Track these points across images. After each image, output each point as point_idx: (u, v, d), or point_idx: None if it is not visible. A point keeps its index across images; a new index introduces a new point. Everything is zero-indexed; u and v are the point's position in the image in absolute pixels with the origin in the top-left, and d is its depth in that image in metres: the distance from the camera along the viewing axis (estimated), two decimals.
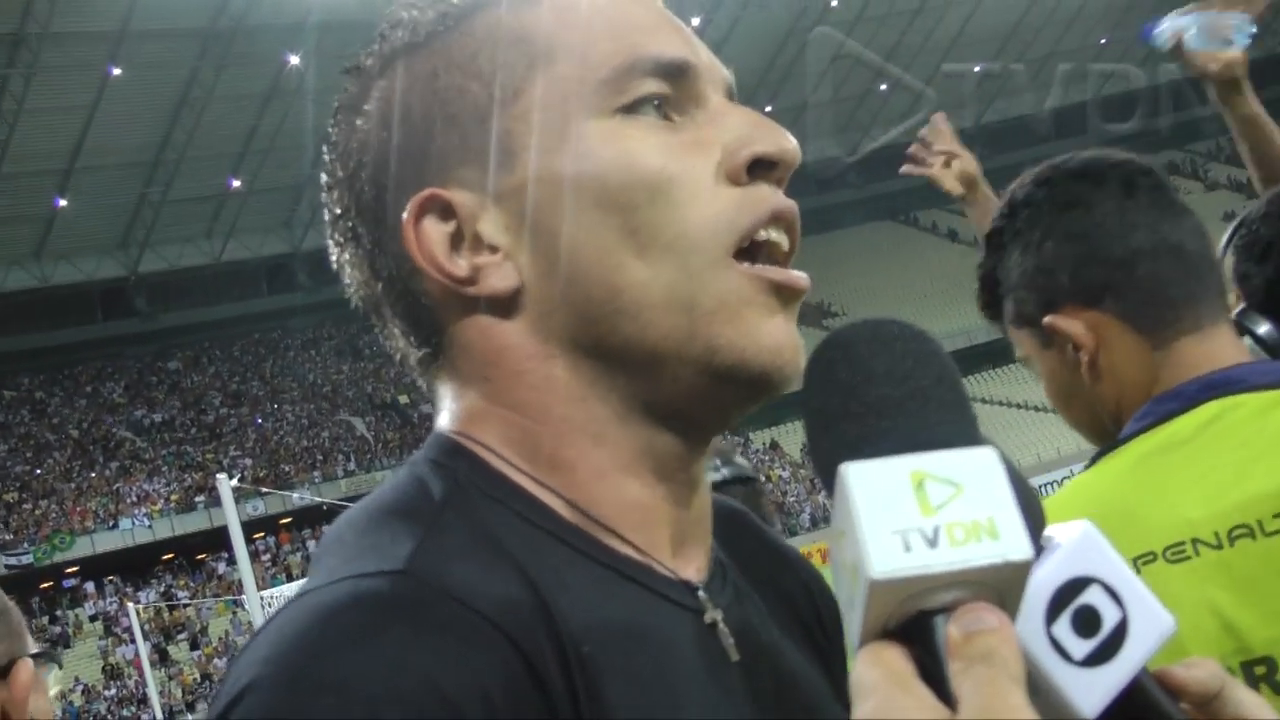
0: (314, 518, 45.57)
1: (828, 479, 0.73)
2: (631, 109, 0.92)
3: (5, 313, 51.57)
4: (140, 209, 52.43)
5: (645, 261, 0.89)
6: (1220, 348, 1.68)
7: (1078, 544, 0.84)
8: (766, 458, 50.54)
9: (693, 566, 0.95)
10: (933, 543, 0.67)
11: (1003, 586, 0.69)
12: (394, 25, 0.99)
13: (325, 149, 1.02)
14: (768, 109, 55.12)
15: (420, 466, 0.93)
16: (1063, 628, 0.81)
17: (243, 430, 52.12)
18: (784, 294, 0.92)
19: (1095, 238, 1.69)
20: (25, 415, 51.14)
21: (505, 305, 0.93)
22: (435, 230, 0.93)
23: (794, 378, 0.90)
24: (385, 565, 0.81)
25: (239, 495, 29.09)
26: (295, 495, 38.10)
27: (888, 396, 0.74)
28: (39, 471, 47.73)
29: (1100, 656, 0.81)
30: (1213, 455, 1.58)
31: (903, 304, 58.72)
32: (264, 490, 40.10)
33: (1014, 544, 0.68)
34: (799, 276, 0.94)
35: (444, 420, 0.97)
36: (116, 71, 45.25)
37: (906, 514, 0.68)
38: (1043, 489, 48.20)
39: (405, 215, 0.93)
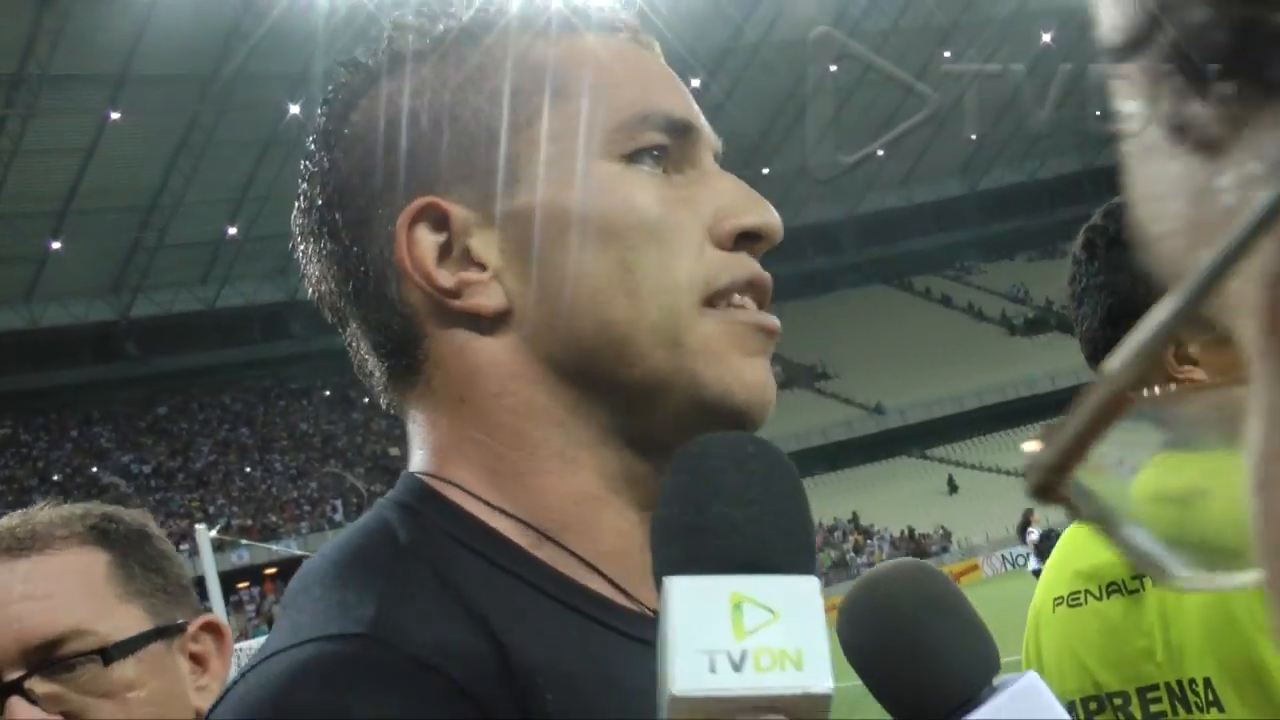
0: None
1: (660, 588, 0.75)
2: (635, 157, 0.94)
3: None
4: (134, 253, 52.30)
5: (633, 301, 0.91)
6: None
7: (1019, 691, 0.86)
8: None
9: None
10: (738, 666, 0.69)
11: (804, 716, 0.70)
12: (401, 28, 1.00)
13: (312, 136, 1.01)
14: (764, 171, 55.17)
15: (388, 510, 0.92)
16: None
17: (230, 478, 51.69)
18: (761, 335, 0.95)
19: None
20: (9, 458, 50.70)
21: (487, 324, 0.93)
22: (427, 239, 0.93)
23: (767, 416, 0.95)
24: (350, 627, 0.81)
25: (223, 544, 28.67)
26: (275, 546, 37.60)
27: (728, 516, 0.75)
28: None
29: None
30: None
31: (895, 367, 58.71)
32: (245, 541, 39.68)
33: (816, 677, 0.70)
34: (771, 318, 0.97)
35: (417, 458, 0.96)
36: (115, 115, 45.24)
37: (718, 635, 0.69)
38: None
39: (400, 219, 0.93)
